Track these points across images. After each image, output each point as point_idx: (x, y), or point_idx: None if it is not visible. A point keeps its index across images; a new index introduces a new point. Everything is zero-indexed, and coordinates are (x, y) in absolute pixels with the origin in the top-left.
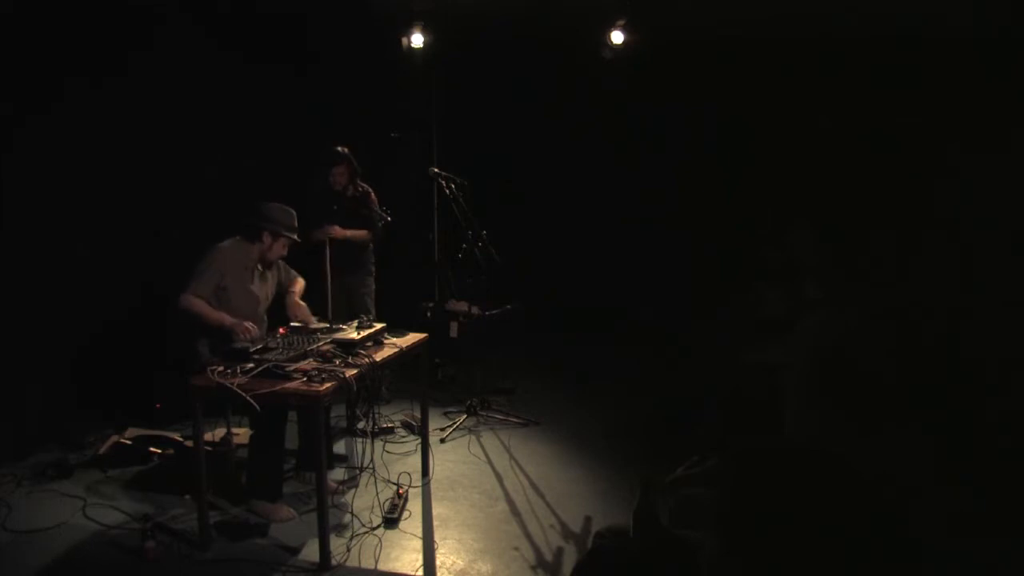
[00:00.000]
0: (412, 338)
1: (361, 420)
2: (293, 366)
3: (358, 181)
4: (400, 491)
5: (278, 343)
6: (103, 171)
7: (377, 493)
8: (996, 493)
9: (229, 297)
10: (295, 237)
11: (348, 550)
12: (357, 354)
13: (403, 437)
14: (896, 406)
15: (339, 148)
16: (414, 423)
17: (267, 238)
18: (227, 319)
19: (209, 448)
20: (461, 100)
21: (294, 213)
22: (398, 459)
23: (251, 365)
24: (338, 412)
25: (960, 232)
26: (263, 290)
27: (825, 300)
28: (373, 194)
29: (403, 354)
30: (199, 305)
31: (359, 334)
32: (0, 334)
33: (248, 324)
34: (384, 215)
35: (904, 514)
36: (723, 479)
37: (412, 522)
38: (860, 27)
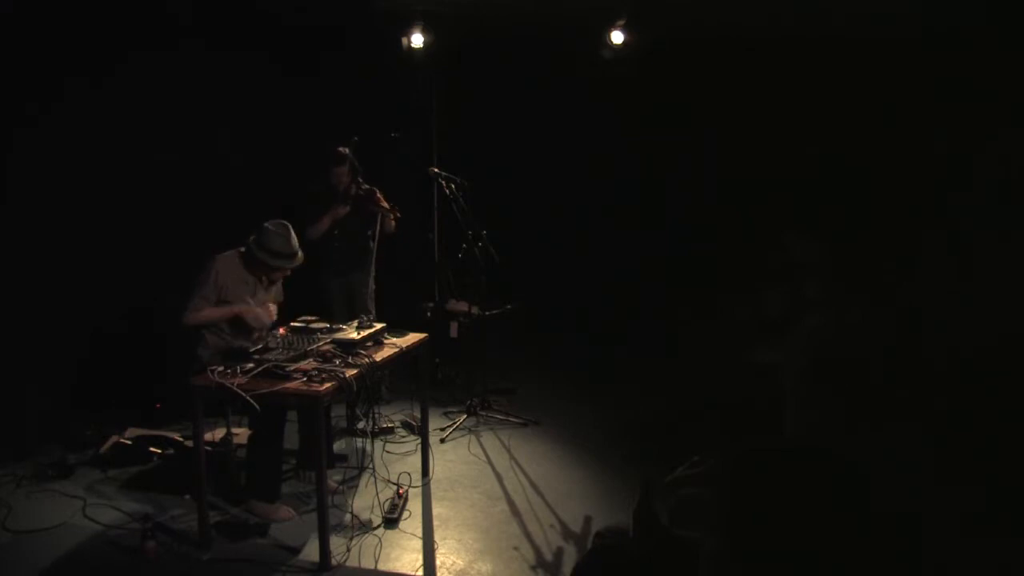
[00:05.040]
0: (412, 338)
1: (361, 420)
2: (293, 366)
3: (360, 180)
4: (400, 491)
5: (278, 343)
6: (103, 171)
7: (377, 493)
8: (997, 493)
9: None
10: (291, 266)
11: (348, 550)
12: (357, 354)
13: (403, 437)
14: (896, 406)
15: (340, 148)
16: (414, 423)
17: (264, 268)
18: (236, 308)
19: (209, 448)
20: (461, 100)
21: (293, 238)
22: (398, 459)
23: (251, 365)
24: (338, 412)
25: (960, 232)
26: (265, 300)
27: (825, 300)
28: (379, 192)
29: (403, 354)
30: (205, 313)
31: (359, 334)
32: (0, 334)
33: (258, 310)
34: (393, 209)
35: (905, 514)
36: (723, 479)
37: (412, 522)
38: (860, 27)
